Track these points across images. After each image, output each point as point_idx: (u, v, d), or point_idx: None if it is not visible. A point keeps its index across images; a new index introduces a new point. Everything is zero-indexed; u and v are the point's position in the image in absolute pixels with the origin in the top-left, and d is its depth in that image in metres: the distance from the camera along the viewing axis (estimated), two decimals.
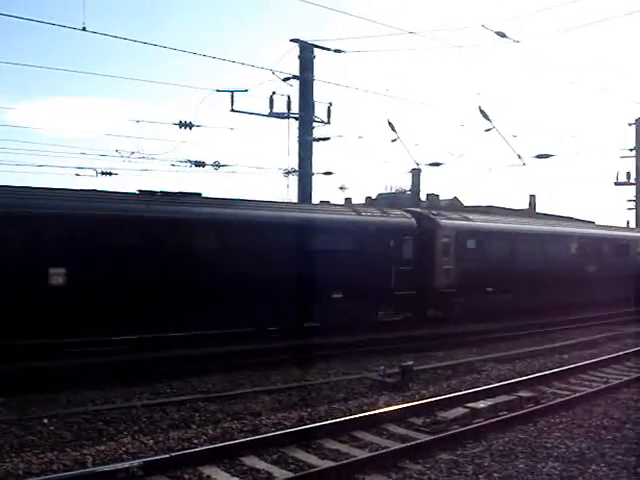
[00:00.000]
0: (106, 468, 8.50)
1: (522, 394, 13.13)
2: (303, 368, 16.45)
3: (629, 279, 34.14)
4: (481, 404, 12.08)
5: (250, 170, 29.49)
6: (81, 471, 8.57)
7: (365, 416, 11.49)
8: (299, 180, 29.23)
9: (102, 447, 9.82)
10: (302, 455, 9.67)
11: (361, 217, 23.85)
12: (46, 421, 11.30)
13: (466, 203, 48.39)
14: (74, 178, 26.44)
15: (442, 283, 25.25)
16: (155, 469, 8.61)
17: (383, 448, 9.96)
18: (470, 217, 28.00)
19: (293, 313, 20.11)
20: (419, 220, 25.56)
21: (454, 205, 47.69)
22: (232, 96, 26.99)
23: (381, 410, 11.99)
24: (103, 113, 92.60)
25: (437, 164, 33.68)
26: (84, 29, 17.49)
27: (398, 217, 25.33)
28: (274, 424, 11.24)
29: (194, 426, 11.20)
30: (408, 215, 25.77)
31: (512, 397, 12.77)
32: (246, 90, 27.09)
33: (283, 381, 15.16)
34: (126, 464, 8.57)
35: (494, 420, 11.37)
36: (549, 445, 10.17)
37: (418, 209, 28.98)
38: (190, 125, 26.43)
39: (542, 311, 27.56)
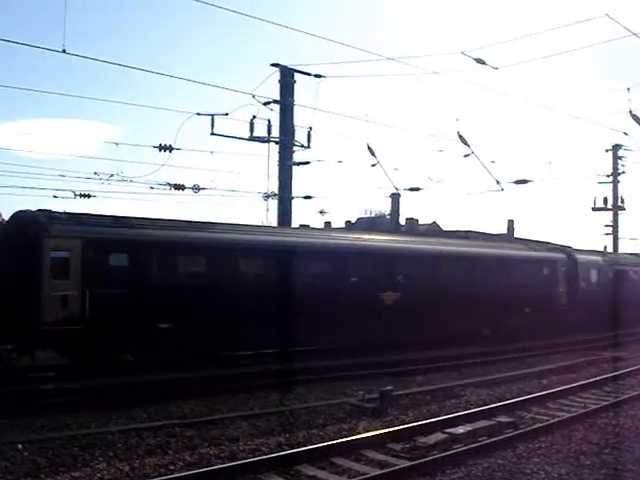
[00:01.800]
0: None
1: (501, 419, 13.09)
2: (282, 393, 16.32)
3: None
4: (460, 429, 12.02)
5: (229, 193, 29.44)
6: None
7: (344, 442, 11.38)
8: (279, 204, 29.26)
9: (77, 473, 9.68)
10: None
11: None
12: (20, 446, 11.12)
13: (445, 228, 48.57)
14: (52, 200, 26.17)
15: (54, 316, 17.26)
16: None
17: (362, 474, 9.87)
18: (134, 223, 19.82)
19: None
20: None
21: (433, 230, 47.88)
22: (212, 120, 27.08)
23: (360, 436, 11.89)
24: (82, 135, 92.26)
25: (416, 189, 33.87)
26: (64, 51, 17.46)
27: None
28: (252, 450, 11.12)
29: (171, 452, 11.06)
30: None
31: (491, 422, 12.72)
32: (226, 114, 27.19)
33: (261, 406, 15.03)
34: None
35: (473, 445, 11.32)
36: (528, 471, 10.12)
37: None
38: (170, 148, 26.38)
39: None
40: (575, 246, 38.79)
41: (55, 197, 27.36)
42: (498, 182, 30.93)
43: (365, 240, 25.84)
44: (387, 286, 24.50)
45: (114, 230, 18.70)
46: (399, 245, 26.76)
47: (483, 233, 41.76)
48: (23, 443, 11.30)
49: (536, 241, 37.93)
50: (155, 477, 9.38)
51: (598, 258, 36.56)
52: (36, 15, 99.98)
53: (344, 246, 24.08)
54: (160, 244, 19.21)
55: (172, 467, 10.08)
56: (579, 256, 34.61)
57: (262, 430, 12.70)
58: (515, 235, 47.90)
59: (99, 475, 9.59)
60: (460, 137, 28.79)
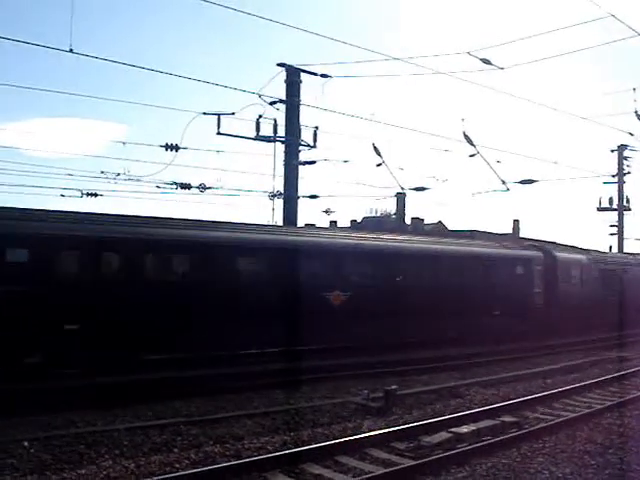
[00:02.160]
0: None
1: (505, 419, 13.13)
2: (287, 392, 16.37)
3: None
4: (464, 429, 12.07)
5: (235, 193, 29.47)
6: None
7: (348, 440, 11.44)
8: (284, 203, 29.27)
9: (83, 470, 9.74)
10: None
11: None
12: (26, 444, 11.17)
13: (451, 227, 48.55)
14: (59, 199, 26.34)
15: None
16: None
17: (366, 473, 9.91)
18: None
19: None
20: None
21: (438, 229, 47.85)
22: (219, 119, 27.09)
23: (365, 435, 11.93)
24: (89, 134, 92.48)
25: (422, 188, 33.84)
26: (71, 50, 17.52)
27: None
28: (257, 448, 11.17)
29: (176, 450, 11.11)
30: None
31: (496, 422, 12.76)
32: (233, 113, 27.20)
33: (266, 405, 15.06)
34: None
35: (478, 445, 11.35)
36: (532, 470, 10.16)
37: None
38: (176, 147, 26.46)
39: None
40: (582, 246, 38.69)
41: (63, 196, 27.52)
42: (504, 182, 30.93)
43: (311, 236, 24.29)
44: (335, 286, 22.77)
45: (12, 223, 17.12)
46: (351, 242, 24.60)
47: (488, 233, 41.75)
48: (29, 440, 11.35)
49: (524, 239, 37.67)
50: (161, 475, 9.42)
51: (581, 256, 35.02)
52: (44, 15, 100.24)
53: (284, 242, 22.28)
54: (64, 239, 17.47)
55: (177, 465, 10.14)
56: (559, 254, 33.03)
57: (267, 428, 12.75)
58: (521, 235, 47.91)
59: (105, 472, 9.65)
60: (466, 137, 28.78)
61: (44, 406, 13.57)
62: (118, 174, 26.70)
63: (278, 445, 11.41)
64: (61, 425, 12.70)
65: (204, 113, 26.84)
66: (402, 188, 34.20)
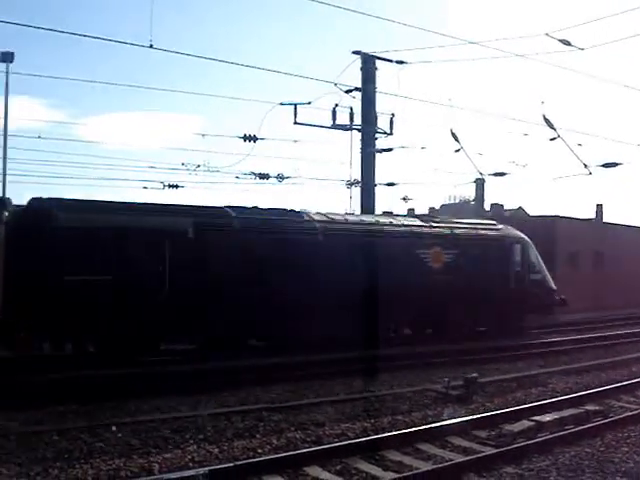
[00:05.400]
0: (173, 476, 8.65)
1: (589, 407, 12.90)
2: (366, 379, 16.43)
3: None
4: (547, 417, 11.88)
5: (313, 182, 29.77)
6: (148, 478, 8.77)
7: (429, 428, 11.44)
8: (362, 191, 29.29)
9: (168, 455, 9.98)
10: (365, 466, 9.67)
11: None
12: (114, 428, 11.52)
13: (532, 213, 47.75)
14: (141, 191, 27.00)
15: None
16: (220, 477, 8.72)
17: (447, 461, 9.91)
18: None
19: None
20: None
21: (519, 215, 47.11)
22: (295, 109, 27.31)
23: (445, 422, 11.90)
24: (169, 127, 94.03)
25: (501, 174, 33.24)
26: (151, 46, 17.91)
27: None
28: (337, 435, 11.27)
29: (258, 435, 11.29)
30: None
31: (579, 410, 12.55)
32: (309, 103, 27.37)
33: (346, 392, 15.14)
34: (192, 472, 8.73)
35: (560, 434, 11.20)
36: (617, 460, 9.97)
37: None
38: (254, 138, 26.79)
39: None
40: None
41: (145, 188, 28.23)
42: (586, 166, 30.12)
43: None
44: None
45: None
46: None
47: (571, 218, 40.94)
48: (117, 425, 11.72)
49: None
50: (244, 460, 9.60)
51: None
52: (124, 13, 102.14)
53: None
54: None
55: (260, 450, 10.30)
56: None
57: (347, 415, 12.82)
58: (604, 220, 46.76)
59: (189, 457, 9.88)
60: (546, 120, 28.12)
61: (130, 392, 13.98)
62: (198, 165, 27.27)
63: (359, 432, 11.48)
64: (147, 410, 13.05)
65: (281, 103, 27.12)
66: (481, 174, 33.65)
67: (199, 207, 20.14)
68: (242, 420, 12.31)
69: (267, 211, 21.06)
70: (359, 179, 29.46)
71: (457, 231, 25.45)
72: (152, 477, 8.85)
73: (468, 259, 24.37)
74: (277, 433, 11.42)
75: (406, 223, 24.64)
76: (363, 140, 29.02)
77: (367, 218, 24.64)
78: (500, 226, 27.43)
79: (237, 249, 18.98)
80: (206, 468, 8.87)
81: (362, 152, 29.05)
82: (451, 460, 9.91)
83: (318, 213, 22.60)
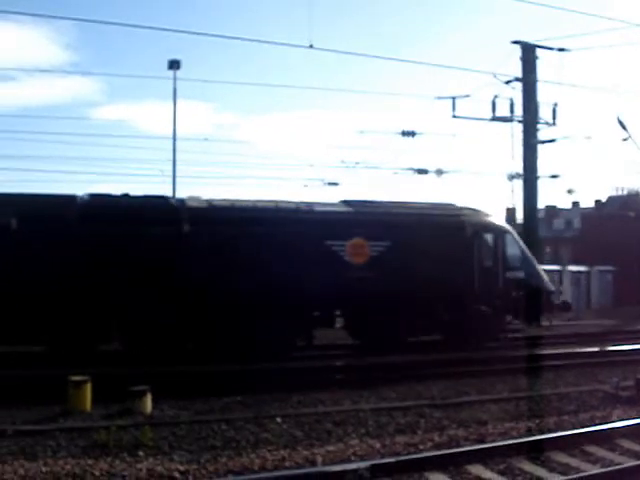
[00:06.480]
0: (335, 468, 8.78)
1: None
2: (529, 378, 16.04)
3: None
4: None
5: (473, 176, 29.45)
6: (312, 469, 8.94)
7: (597, 430, 11.01)
8: (524, 184, 28.62)
9: (331, 447, 10.14)
10: (530, 467, 9.42)
11: None
12: (279, 420, 11.87)
13: None
14: (301, 189, 27.68)
15: None
16: (381, 472, 8.74)
17: (616, 464, 9.50)
18: None
19: None
20: None
21: None
22: (453, 102, 27.05)
23: (614, 425, 11.40)
24: (328, 126, 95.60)
25: None
26: (311, 46, 18.27)
27: None
28: (501, 434, 11.05)
29: (420, 432, 11.28)
30: None
31: None
32: (467, 95, 27.01)
33: (509, 390, 14.87)
34: (354, 465, 8.81)
35: None
36: None
37: None
38: (413, 133, 26.76)
39: None
40: None
41: (306, 186, 28.89)
42: None
43: None
44: None
45: None
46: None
47: None
48: (282, 417, 12.05)
49: None
50: (407, 454, 9.62)
51: None
52: (283, 16, 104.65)
53: None
54: None
55: (421, 446, 10.26)
56: None
57: (511, 414, 12.57)
58: None
59: (352, 450, 9.97)
60: None
61: (291, 385, 14.33)
62: (357, 162, 27.53)
63: (522, 431, 11.22)
64: (309, 403, 13.36)
65: (438, 97, 26.93)
66: None
67: None
68: (404, 416, 12.34)
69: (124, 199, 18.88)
70: (521, 172, 28.78)
71: (389, 218, 20.89)
72: (316, 469, 9.02)
73: (405, 253, 20.17)
74: (439, 430, 11.35)
75: (317, 209, 20.47)
76: (525, 131, 28.33)
77: (263, 203, 20.23)
78: (464, 211, 22.55)
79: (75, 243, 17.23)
80: (368, 462, 8.93)
81: (524, 144, 28.36)
82: (620, 464, 9.49)
83: (191, 197, 19.88)
